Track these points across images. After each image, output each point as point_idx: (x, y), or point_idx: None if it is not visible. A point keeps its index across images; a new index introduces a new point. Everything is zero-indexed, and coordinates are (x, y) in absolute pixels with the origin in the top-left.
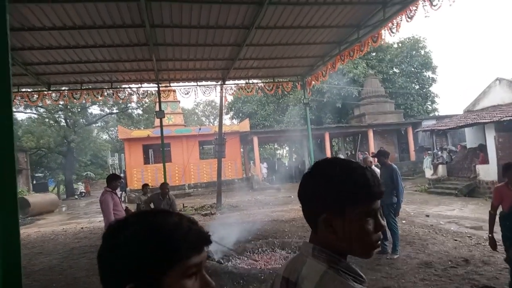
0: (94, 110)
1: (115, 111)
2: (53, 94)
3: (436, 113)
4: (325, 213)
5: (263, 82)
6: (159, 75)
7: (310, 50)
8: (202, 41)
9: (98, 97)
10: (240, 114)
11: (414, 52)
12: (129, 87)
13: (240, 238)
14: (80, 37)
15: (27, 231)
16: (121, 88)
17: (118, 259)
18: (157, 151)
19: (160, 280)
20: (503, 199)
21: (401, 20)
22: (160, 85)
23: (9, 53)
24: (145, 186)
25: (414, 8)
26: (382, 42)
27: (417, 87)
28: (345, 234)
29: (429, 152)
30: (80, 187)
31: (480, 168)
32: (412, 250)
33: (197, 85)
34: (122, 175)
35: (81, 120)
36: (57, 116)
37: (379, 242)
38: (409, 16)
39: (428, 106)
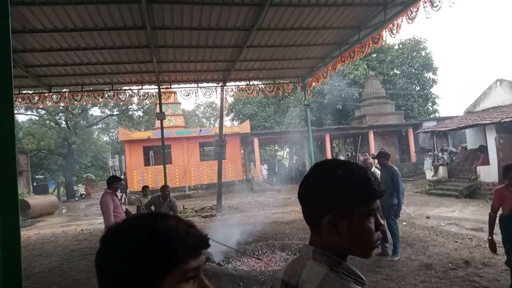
0: (95, 112)
1: (115, 112)
2: (54, 96)
3: (437, 115)
4: (330, 214)
5: (263, 84)
6: (160, 76)
7: (310, 51)
8: (203, 43)
9: (98, 99)
10: (241, 116)
11: (415, 53)
12: (130, 89)
13: (241, 240)
14: (81, 39)
15: (27, 233)
16: (122, 90)
17: (115, 263)
18: (158, 152)
19: (157, 285)
20: (503, 202)
21: (402, 21)
22: (160, 87)
23: (11, 55)
24: (145, 188)
25: (415, 9)
26: (383, 44)
27: (417, 88)
28: (349, 234)
29: (429, 153)
30: (81, 189)
31: (481, 170)
32: (412, 252)
33: (198, 86)
34: (122, 177)
35: (82, 122)
36: (57, 118)
37: (378, 241)
38: (410, 17)
39: (429, 107)
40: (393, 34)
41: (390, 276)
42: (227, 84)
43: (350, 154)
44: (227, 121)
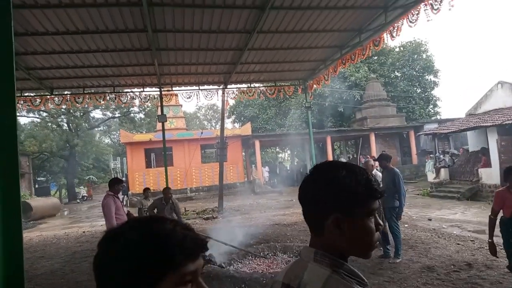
0: (97, 114)
1: (117, 115)
2: (56, 99)
3: (438, 117)
4: (334, 214)
5: (264, 86)
6: (161, 79)
7: (311, 54)
8: (204, 46)
9: (100, 101)
10: (242, 118)
11: (416, 55)
12: (132, 91)
13: (242, 242)
14: (83, 42)
15: (29, 235)
16: (124, 92)
17: (113, 267)
18: (159, 155)
19: None
20: (504, 204)
21: (402, 24)
22: (162, 89)
23: (14, 58)
24: (146, 190)
25: (416, 12)
26: (384, 46)
27: (419, 90)
28: (352, 234)
29: (431, 155)
30: (82, 191)
31: (483, 172)
32: (414, 254)
33: (199, 89)
34: (124, 179)
35: (84, 124)
36: (59, 120)
37: (378, 242)
38: (411, 20)
39: (430, 109)
40: (393, 37)
41: (392, 278)
42: (228, 86)
43: (351, 157)
44: (228, 123)
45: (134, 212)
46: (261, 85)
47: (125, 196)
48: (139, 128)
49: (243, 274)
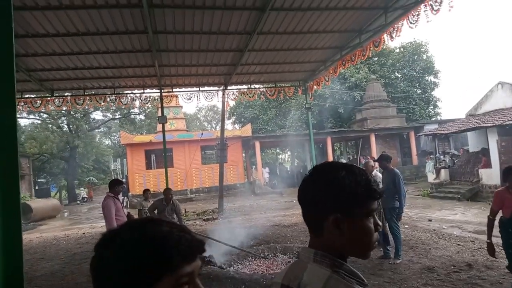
0: (97, 115)
1: (117, 116)
2: (56, 100)
3: (438, 117)
4: (333, 214)
5: (265, 87)
6: (161, 80)
7: (312, 55)
8: (205, 47)
9: (100, 103)
10: (242, 119)
11: (416, 56)
12: (132, 93)
13: (242, 243)
14: (83, 44)
15: (29, 237)
16: (124, 93)
17: (109, 269)
18: (159, 156)
19: None
20: (503, 204)
21: (402, 25)
22: (162, 91)
23: (14, 60)
24: (146, 191)
25: (416, 13)
26: (384, 47)
27: (419, 91)
28: (352, 235)
29: (431, 156)
30: (82, 192)
31: (483, 172)
32: (414, 254)
33: (199, 90)
34: (124, 180)
35: (84, 126)
36: (60, 121)
37: (376, 242)
38: (412, 21)
39: (430, 110)
40: (393, 37)
41: (393, 279)
42: (229, 87)
43: (351, 157)
44: (228, 125)
45: (134, 214)
46: (261, 86)
47: (125, 197)
48: (139, 129)
49: (243, 275)
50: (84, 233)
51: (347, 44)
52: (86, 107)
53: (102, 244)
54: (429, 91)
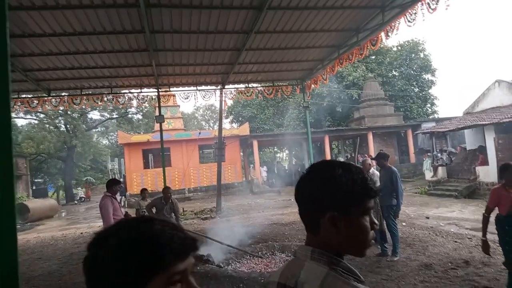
0: (94, 115)
1: (115, 116)
2: (53, 100)
3: (436, 116)
4: (330, 212)
5: (262, 86)
6: (159, 80)
7: (309, 54)
8: (202, 46)
9: (98, 103)
10: (240, 118)
11: (413, 55)
12: (130, 92)
13: (240, 242)
14: (80, 43)
15: (26, 237)
16: (121, 93)
17: (101, 269)
18: (157, 155)
19: None
20: (500, 202)
21: (400, 24)
22: (160, 90)
23: (9, 59)
24: (143, 190)
25: (413, 11)
26: (382, 46)
27: (416, 89)
28: (348, 233)
29: (428, 154)
30: (80, 192)
31: (480, 170)
32: (412, 252)
33: (197, 89)
34: (121, 180)
35: (82, 125)
36: (57, 121)
37: (372, 240)
38: (409, 20)
39: (428, 108)
40: (388, 36)
41: (390, 277)
42: (226, 86)
43: (349, 156)
44: (226, 124)
45: (132, 213)
46: (259, 85)
47: (123, 197)
48: (136, 129)
49: (241, 273)
50: (81, 233)
51: (344, 43)
52: (83, 107)
53: (95, 243)
54: (427, 89)
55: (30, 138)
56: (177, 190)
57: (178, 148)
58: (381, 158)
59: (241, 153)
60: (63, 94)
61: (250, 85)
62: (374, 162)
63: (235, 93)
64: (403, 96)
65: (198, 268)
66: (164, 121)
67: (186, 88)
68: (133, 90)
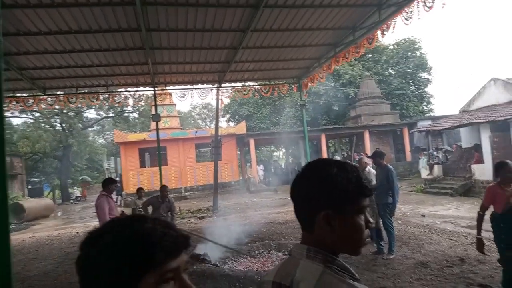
0: (90, 114)
1: (111, 114)
2: (49, 99)
3: (432, 114)
4: (324, 211)
5: (259, 85)
6: (155, 78)
7: (306, 52)
8: (198, 44)
9: (94, 101)
10: (237, 117)
11: (409, 53)
12: (126, 91)
13: (237, 241)
14: (75, 42)
15: (22, 237)
16: (117, 92)
17: (93, 268)
18: (153, 154)
19: (136, 286)
20: (495, 200)
21: (396, 22)
22: (156, 89)
23: (1, 58)
24: (139, 190)
25: (410, 10)
26: (378, 44)
27: (412, 88)
28: (343, 231)
29: (424, 152)
30: (76, 191)
31: (476, 168)
32: (408, 250)
33: (193, 88)
34: (118, 179)
35: (78, 124)
36: (52, 120)
37: (368, 239)
38: (406, 17)
39: (424, 106)
40: (384, 34)
41: (386, 274)
42: (223, 85)
43: (345, 154)
44: (223, 122)
45: (128, 212)
46: (256, 83)
47: (119, 196)
48: (133, 127)
49: (238, 272)
50: (77, 233)
51: (341, 41)
52: (79, 106)
53: (87, 242)
54: (423, 87)
55: (25, 137)
56: (174, 189)
57: (174, 147)
58: (377, 156)
59: (238, 152)
60: (58, 93)
61: (246, 84)
62: (370, 161)
63: (231, 91)
64: (399, 94)
65: (195, 267)
66: (160, 120)
67: (183, 86)
68: (129, 89)
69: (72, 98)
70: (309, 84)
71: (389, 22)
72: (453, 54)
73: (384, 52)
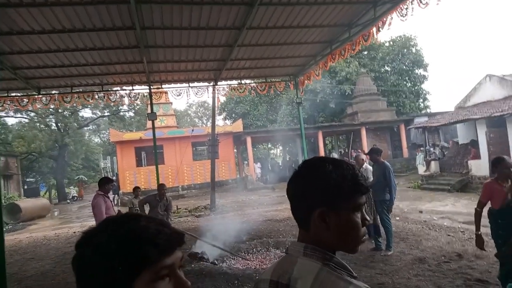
0: (86, 113)
1: (106, 114)
2: (43, 98)
3: (428, 110)
4: (320, 208)
5: (255, 82)
6: (150, 77)
7: (302, 49)
8: (194, 42)
9: (89, 100)
10: (233, 115)
11: (405, 50)
12: (122, 89)
13: (235, 239)
14: (70, 40)
15: (18, 237)
16: (112, 90)
17: (88, 268)
18: (150, 153)
19: (131, 285)
20: (492, 196)
21: (392, 19)
22: (151, 87)
23: None
24: (136, 189)
25: (405, 6)
26: (374, 41)
27: (408, 84)
28: (338, 229)
29: (421, 148)
30: (72, 191)
31: (472, 164)
32: (406, 246)
33: (189, 86)
34: (114, 178)
35: (73, 124)
36: (48, 120)
37: (365, 237)
38: (402, 14)
39: (420, 103)
40: (379, 31)
41: (384, 271)
42: (219, 83)
43: (343, 151)
44: (219, 120)
45: (125, 211)
46: (252, 81)
47: (116, 195)
48: (129, 126)
49: (236, 270)
50: (74, 232)
51: (336, 38)
52: (74, 105)
53: (82, 242)
54: (419, 84)
55: (21, 137)
56: (171, 188)
57: (171, 146)
58: (374, 153)
59: (235, 150)
60: (53, 92)
61: (243, 82)
62: (367, 157)
63: (228, 89)
64: (395, 91)
65: (193, 265)
66: (156, 119)
67: (178, 85)
68: (124, 87)
69: (67, 98)
70: (305, 81)
71: (384, 19)
72: (449, 50)
73: (380, 49)
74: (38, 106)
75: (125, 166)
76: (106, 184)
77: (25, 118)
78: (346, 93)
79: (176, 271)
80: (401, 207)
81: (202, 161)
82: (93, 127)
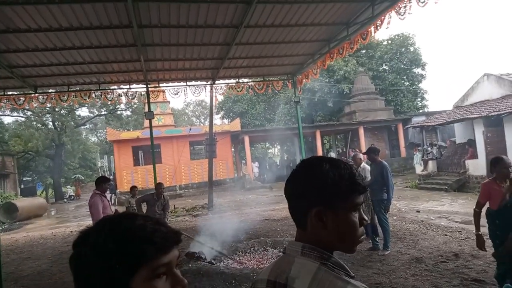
0: (83, 112)
1: (103, 112)
2: (40, 97)
3: (426, 109)
4: (317, 207)
5: (253, 81)
6: (147, 75)
7: (300, 48)
8: (191, 41)
9: (86, 99)
10: (231, 114)
11: (403, 49)
12: (120, 88)
13: (232, 238)
14: (66, 39)
15: (15, 236)
16: (109, 89)
17: (85, 267)
18: (147, 152)
19: (127, 284)
20: (491, 196)
21: (390, 17)
22: (149, 86)
23: None
24: (133, 188)
25: (403, 5)
26: (372, 40)
27: (406, 83)
28: (335, 228)
29: (419, 148)
30: (69, 190)
31: (470, 163)
32: (403, 246)
33: (187, 85)
34: (111, 177)
35: (70, 123)
36: (44, 119)
37: (362, 237)
38: (400, 13)
39: (418, 102)
40: (377, 29)
41: (381, 270)
42: (216, 82)
43: (340, 150)
44: (217, 119)
45: (122, 211)
46: (250, 80)
47: (113, 194)
48: (126, 125)
49: (233, 270)
50: (71, 232)
51: (335, 37)
52: (71, 104)
53: (79, 241)
54: (417, 83)
55: (17, 136)
56: (168, 187)
57: (168, 145)
58: (371, 152)
59: (233, 149)
60: (50, 91)
61: (240, 80)
62: (365, 157)
63: (225, 88)
64: (393, 90)
65: (190, 265)
66: (153, 118)
67: (176, 83)
68: (121, 86)
69: (63, 96)
70: (303, 80)
71: (382, 18)
72: (446, 49)
73: (378, 48)
74: (35, 105)
75: (122, 165)
76: (103, 183)
77: (22, 117)
78: (344, 92)
79: (173, 269)
80: (398, 206)
81: (200, 160)
82: (90, 126)
